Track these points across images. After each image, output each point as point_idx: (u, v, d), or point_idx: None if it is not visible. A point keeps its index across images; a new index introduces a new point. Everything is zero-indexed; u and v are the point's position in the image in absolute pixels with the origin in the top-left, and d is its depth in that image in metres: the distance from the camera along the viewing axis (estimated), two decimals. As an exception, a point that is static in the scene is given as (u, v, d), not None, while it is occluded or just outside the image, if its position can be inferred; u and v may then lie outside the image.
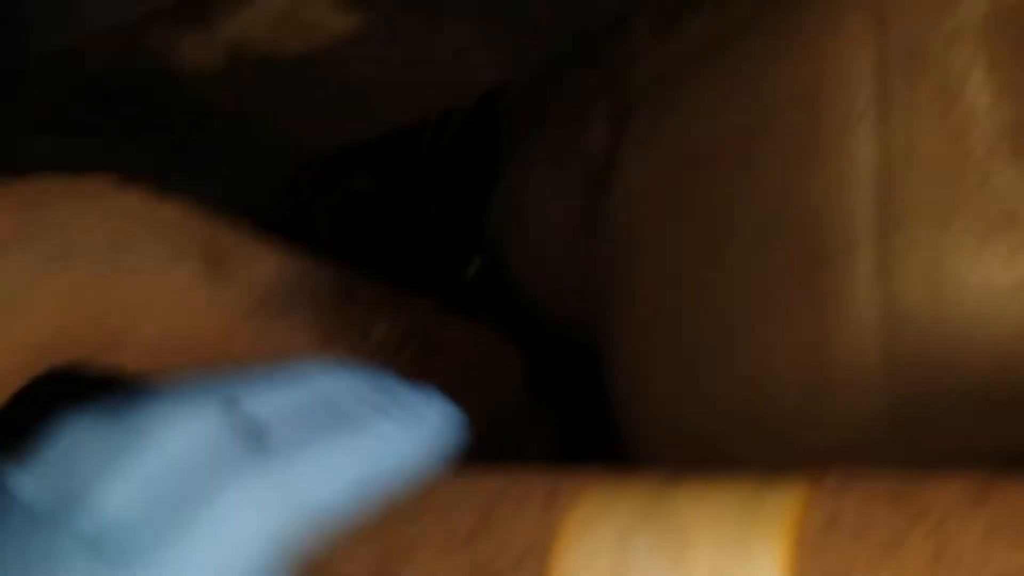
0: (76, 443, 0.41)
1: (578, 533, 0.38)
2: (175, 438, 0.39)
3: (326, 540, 0.40)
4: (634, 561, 0.36)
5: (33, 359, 0.49)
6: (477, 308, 1.21)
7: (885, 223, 0.53)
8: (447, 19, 0.69)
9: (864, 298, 0.54)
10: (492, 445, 0.83)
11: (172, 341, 0.56)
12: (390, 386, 0.49)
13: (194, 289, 0.56)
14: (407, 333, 0.70)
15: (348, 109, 0.81)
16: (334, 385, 0.46)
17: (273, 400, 0.43)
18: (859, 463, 0.56)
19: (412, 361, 0.70)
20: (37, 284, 0.49)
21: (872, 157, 0.53)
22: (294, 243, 0.68)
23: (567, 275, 0.90)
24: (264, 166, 0.95)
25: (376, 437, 0.44)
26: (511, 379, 0.80)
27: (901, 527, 0.34)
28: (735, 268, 0.63)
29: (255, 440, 0.40)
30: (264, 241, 0.62)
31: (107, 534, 0.37)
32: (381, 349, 0.68)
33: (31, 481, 0.40)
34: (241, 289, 0.58)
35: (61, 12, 0.47)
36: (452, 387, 0.76)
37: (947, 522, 0.33)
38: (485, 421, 0.79)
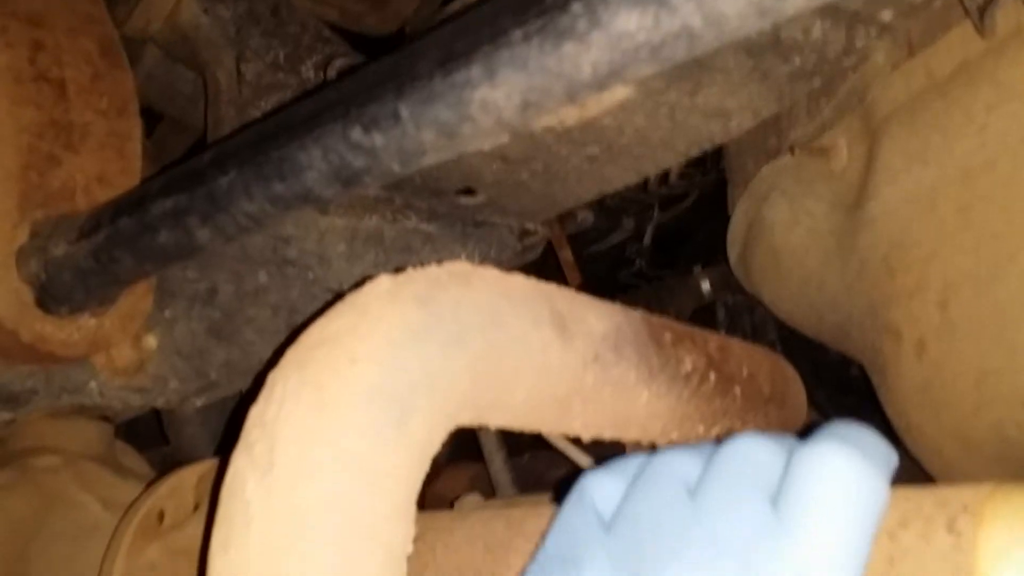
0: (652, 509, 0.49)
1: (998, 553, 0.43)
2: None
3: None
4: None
5: (449, 421, 0.58)
6: (712, 324, 1.27)
7: None
8: (710, 82, 0.75)
9: None
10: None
11: (537, 397, 0.64)
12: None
13: (548, 350, 0.64)
14: (708, 364, 0.76)
15: (612, 166, 0.87)
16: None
17: None
18: None
19: (716, 389, 0.77)
20: (446, 361, 0.58)
21: None
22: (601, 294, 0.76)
23: (824, 289, 0.94)
24: (523, 220, 1.04)
25: None
26: (797, 396, 0.85)
27: None
28: (1029, 272, 0.67)
29: None
30: (587, 298, 0.70)
31: None
32: (691, 380, 0.74)
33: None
34: (582, 344, 0.66)
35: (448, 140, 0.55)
36: (750, 408, 0.83)
37: None
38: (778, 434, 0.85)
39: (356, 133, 0.57)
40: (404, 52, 0.55)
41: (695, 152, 0.88)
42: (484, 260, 1.04)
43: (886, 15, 0.70)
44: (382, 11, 1.28)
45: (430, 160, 0.57)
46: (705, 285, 1.23)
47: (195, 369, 0.94)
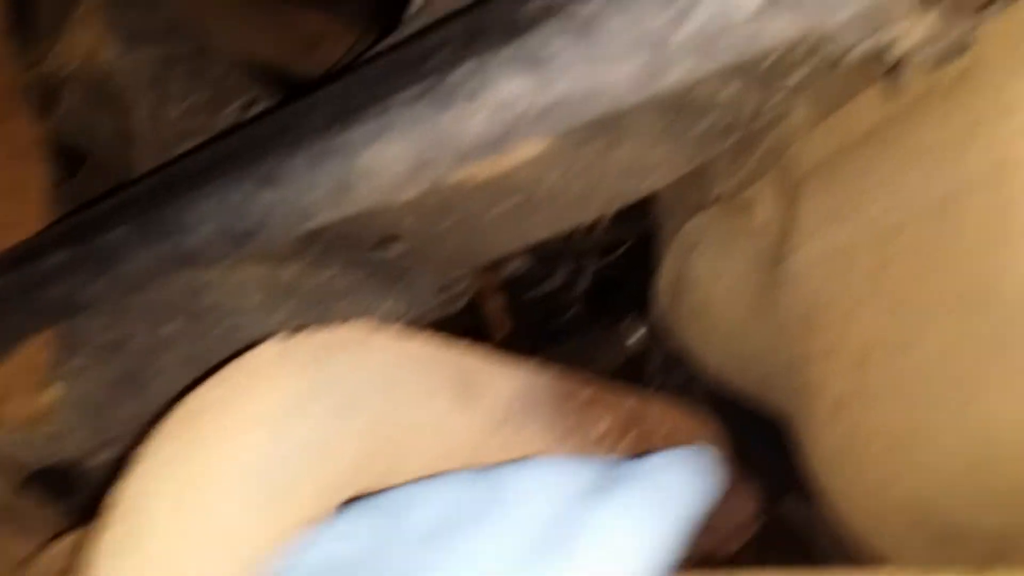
0: None
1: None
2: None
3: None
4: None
5: (339, 493, 0.56)
6: (641, 376, 1.25)
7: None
8: (623, 140, 0.74)
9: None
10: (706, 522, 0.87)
11: (435, 465, 0.62)
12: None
13: (450, 416, 0.62)
14: (625, 424, 0.74)
15: (531, 219, 0.86)
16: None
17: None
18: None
19: (632, 450, 0.75)
20: (333, 431, 0.55)
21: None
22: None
23: (746, 343, 0.93)
24: (447, 270, 1.02)
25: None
26: (718, 455, 0.84)
27: None
28: (945, 337, 0.66)
29: None
30: (497, 357, 0.68)
31: None
32: (604, 443, 0.73)
33: None
34: (487, 409, 0.64)
35: (339, 199, 0.53)
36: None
37: None
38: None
39: (246, 189, 0.55)
40: (298, 105, 0.54)
41: (615, 207, 0.87)
42: (407, 311, 1.01)
43: (797, 76, 0.70)
44: (312, 55, 1.27)
45: (325, 219, 0.55)
46: (636, 336, 1.22)
47: (101, 421, 0.90)
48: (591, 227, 1.33)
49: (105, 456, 0.93)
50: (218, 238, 0.57)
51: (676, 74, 0.43)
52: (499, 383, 0.66)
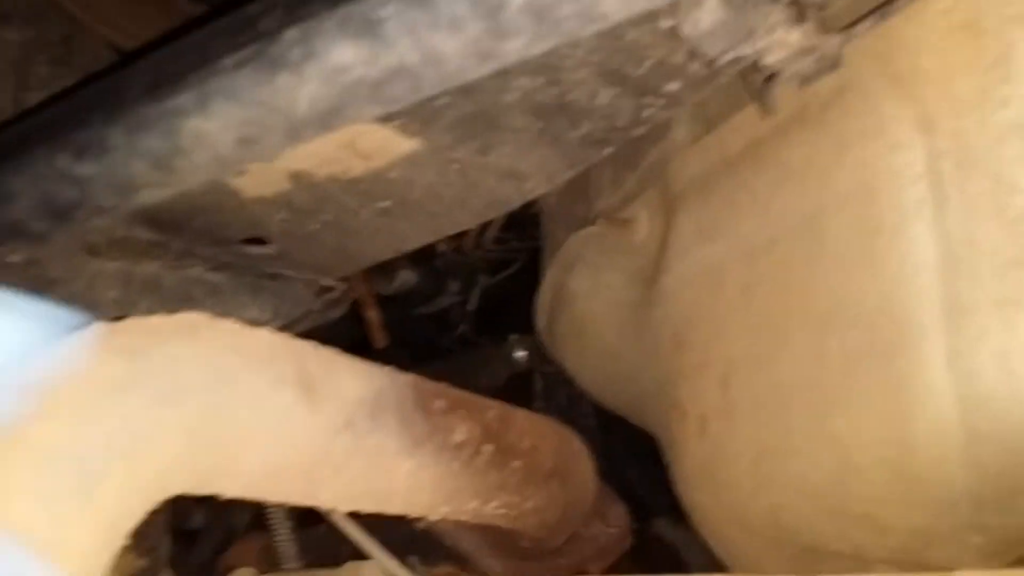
0: None
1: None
2: None
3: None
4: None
5: (154, 490, 0.52)
6: (527, 394, 1.23)
7: (952, 312, 0.55)
8: (499, 142, 0.72)
9: (939, 382, 0.56)
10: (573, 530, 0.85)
11: (274, 465, 0.58)
12: None
13: (291, 414, 0.58)
14: (484, 435, 0.72)
15: (406, 222, 0.84)
16: None
17: None
18: (942, 544, 0.58)
19: (491, 461, 0.72)
20: (153, 421, 0.51)
21: (933, 251, 0.56)
22: (363, 353, 0.71)
23: (620, 361, 0.92)
24: (320, 275, 0.98)
25: None
26: (584, 472, 0.82)
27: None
28: (804, 355, 0.65)
29: None
30: (346, 359, 0.65)
31: None
32: (462, 451, 0.70)
33: None
34: (332, 409, 0.61)
35: (163, 173, 0.50)
36: (530, 482, 0.79)
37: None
38: (561, 511, 0.81)
39: (63, 161, 0.51)
40: (116, 75, 0.50)
41: (493, 213, 0.85)
42: (277, 316, 0.97)
43: (672, 86, 0.69)
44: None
45: (150, 196, 0.52)
46: (520, 353, 1.20)
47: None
48: (478, 240, 1.32)
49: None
50: (38, 211, 0.52)
51: (517, 43, 0.41)
52: (346, 384, 0.63)
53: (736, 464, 0.72)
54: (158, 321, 0.56)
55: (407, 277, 1.27)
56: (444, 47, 0.40)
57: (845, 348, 0.63)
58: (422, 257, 1.31)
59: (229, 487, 0.59)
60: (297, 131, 0.45)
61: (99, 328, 0.54)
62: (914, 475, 0.58)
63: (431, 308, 1.40)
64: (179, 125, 0.46)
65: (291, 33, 0.42)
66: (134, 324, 0.55)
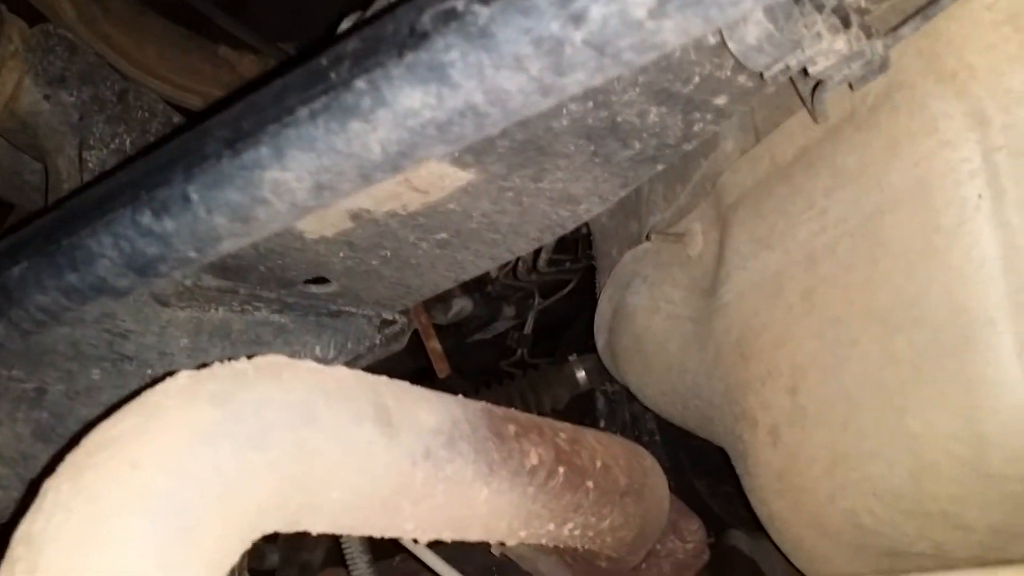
0: None
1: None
2: None
3: None
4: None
5: (249, 530, 0.53)
6: (591, 413, 1.24)
7: (1019, 304, 0.55)
8: (552, 167, 0.73)
9: (1011, 374, 0.56)
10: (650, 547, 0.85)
11: (358, 499, 0.60)
12: None
13: (372, 449, 0.60)
14: (557, 457, 0.72)
15: (464, 251, 0.85)
16: None
17: None
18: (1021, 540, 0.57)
19: (565, 483, 0.73)
20: (244, 465, 0.53)
21: (994, 244, 0.57)
22: (427, 383, 0.72)
23: (684, 375, 0.92)
24: (381, 309, 1.00)
25: None
26: (658, 488, 0.82)
27: None
28: (872, 357, 0.65)
29: None
30: (419, 391, 0.66)
31: None
32: (537, 475, 0.70)
33: None
34: (410, 441, 0.62)
35: (243, 224, 0.52)
36: (605, 501, 0.79)
37: None
38: (638, 528, 0.81)
39: (146, 218, 0.53)
40: (193, 131, 0.52)
41: (549, 238, 0.86)
42: (342, 352, 0.99)
43: (720, 100, 0.69)
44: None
45: (230, 246, 0.53)
46: (580, 373, 1.21)
47: (18, 476, 0.87)
48: (532, 264, 1.33)
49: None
50: (120, 267, 0.54)
51: (579, 77, 0.42)
52: (422, 415, 0.64)
53: (811, 470, 0.72)
54: (241, 366, 0.58)
55: (463, 305, 1.29)
56: (508, 85, 0.41)
57: (913, 347, 0.63)
58: (475, 285, 1.32)
59: (316, 523, 0.60)
60: (370, 174, 0.47)
61: (184, 376, 0.56)
62: (990, 471, 0.58)
63: (488, 334, 1.41)
64: (258, 177, 0.48)
65: (360, 82, 0.44)
66: (220, 370, 0.57)
